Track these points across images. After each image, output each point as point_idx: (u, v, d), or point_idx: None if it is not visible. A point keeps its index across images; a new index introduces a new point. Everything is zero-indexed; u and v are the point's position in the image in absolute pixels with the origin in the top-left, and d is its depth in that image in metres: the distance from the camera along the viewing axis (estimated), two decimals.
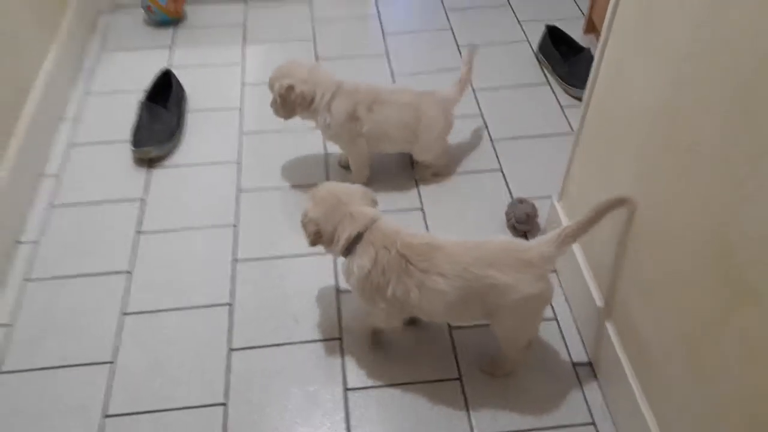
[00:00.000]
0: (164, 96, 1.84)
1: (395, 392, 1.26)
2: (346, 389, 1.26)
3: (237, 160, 1.73)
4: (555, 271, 1.43)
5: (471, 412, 1.23)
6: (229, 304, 1.40)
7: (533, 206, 1.53)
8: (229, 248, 1.51)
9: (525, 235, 1.54)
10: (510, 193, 1.64)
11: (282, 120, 1.56)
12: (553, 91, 1.94)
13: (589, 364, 1.30)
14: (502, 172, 1.70)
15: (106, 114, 1.88)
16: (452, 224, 1.56)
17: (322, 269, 1.46)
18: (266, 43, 2.13)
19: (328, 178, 1.68)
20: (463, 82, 1.60)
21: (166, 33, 2.19)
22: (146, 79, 1.88)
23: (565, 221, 1.41)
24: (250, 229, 1.56)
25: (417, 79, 1.97)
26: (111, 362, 1.31)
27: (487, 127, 1.82)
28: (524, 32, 2.16)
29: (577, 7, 2.26)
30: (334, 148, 1.70)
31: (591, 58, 1.33)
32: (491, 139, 1.78)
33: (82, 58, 2.07)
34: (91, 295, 1.42)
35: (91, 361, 1.31)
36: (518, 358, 1.26)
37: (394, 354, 1.32)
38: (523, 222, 1.52)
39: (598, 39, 1.22)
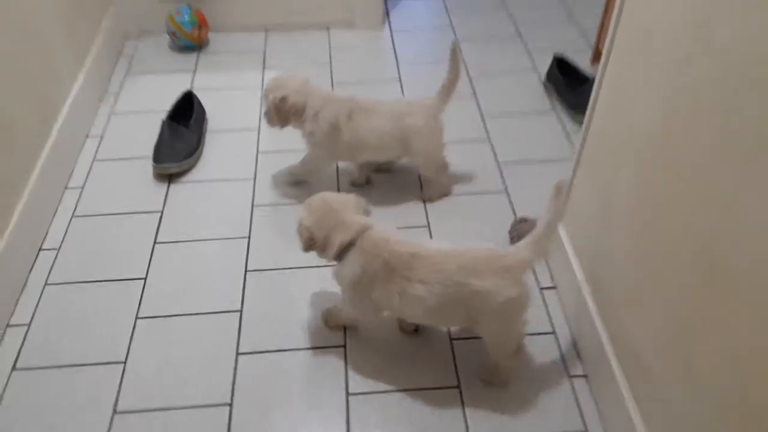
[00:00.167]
0: (186, 116, 1.93)
1: (395, 398, 1.29)
2: (348, 394, 1.30)
3: (253, 177, 1.80)
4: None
5: (468, 419, 1.26)
6: (239, 311, 1.46)
7: (535, 224, 1.57)
8: (241, 259, 1.58)
9: None
10: (514, 213, 1.69)
11: (277, 129, 1.66)
12: (560, 119, 2.00)
13: (584, 376, 1.33)
14: (507, 193, 1.75)
15: (130, 132, 1.97)
16: (459, 239, 1.60)
17: (327, 280, 1.51)
18: (285, 69, 2.22)
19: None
20: (447, 88, 1.63)
21: (190, 58, 2.30)
22: (169, 100, 1.98)
23: (566, 240, 1.45)
24: (262, 242, 1.62)
25: None
26: (123, 362, 1.36)
27: (494, 150, 1.88)
28: (533, 62, 2.24)
29: (584, 39, 2.34)
30: (345, 167, 1.77)
31: None
32: (498, 162, 1.84)
33: (108, 80, 2.18)
34: (106, 300, 1.48)
35: (104, 361, 1.36)
36: (510, 364, 1.30)
37: (395, 361, 1.36)
38: (522, 235, 1.56)
39: None
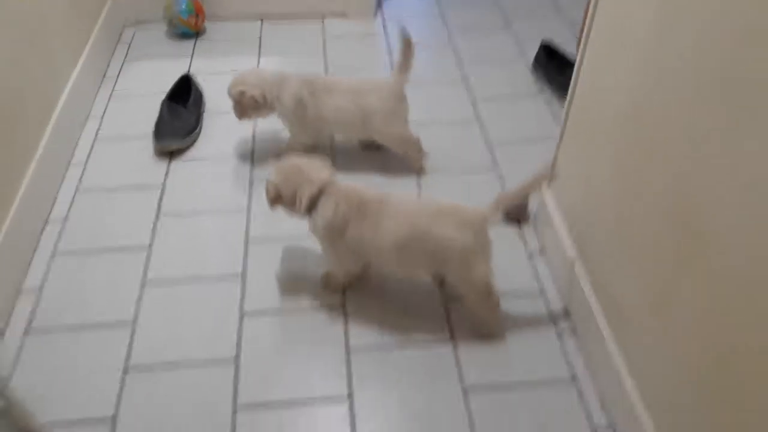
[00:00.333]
0: (184, 97, 1.99)
1: (392, 351, 1.36)
2: (348, 348, 1.37)
3: (250, 155, 1.87)
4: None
5: (462, 368, 1.33)
6: (241, 276, 1.52)
7: (526, 201, 1.65)
8: (241, 228, 1.64)
9: (518, 222, 1.66)
10: (503, 185, 1.76)
11: (246, 121, 1.80)
12: (547, 101, 2.08)
13: (572, 330, 1.41)
14: (498, 171, 1.83)
15: (129, 113, 2.02)
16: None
17: None
18: (280, 56, 2.29)
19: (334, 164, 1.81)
20: (401, 67, 1.70)
21: (187, 44, 2.36)
22: (167, 83, 2.03)
23: (553, 209, 1.53)
24: (261, 213, 1.68)
25: (416, 89, 2.11)
26: (132, 324, 1.42)
27: (484, 131, 1.96)
28: (522, 49, 2.32)
29: (571, 29, 2.43)
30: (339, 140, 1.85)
31: None
32: (488, 143, 1.92)
33: (107, 65, 2.23)
34: (113, 267, 1.54)
35: (113, 323, 1.42)
36: (486, 314, 1.39)
37: (391, 318, 1.43)
38: (515, 210, 1.64)
39: None
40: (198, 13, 2.36)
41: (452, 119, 2.00)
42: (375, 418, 1.26)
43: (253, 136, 1.94)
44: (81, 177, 1.79)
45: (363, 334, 1.40)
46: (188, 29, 2.36)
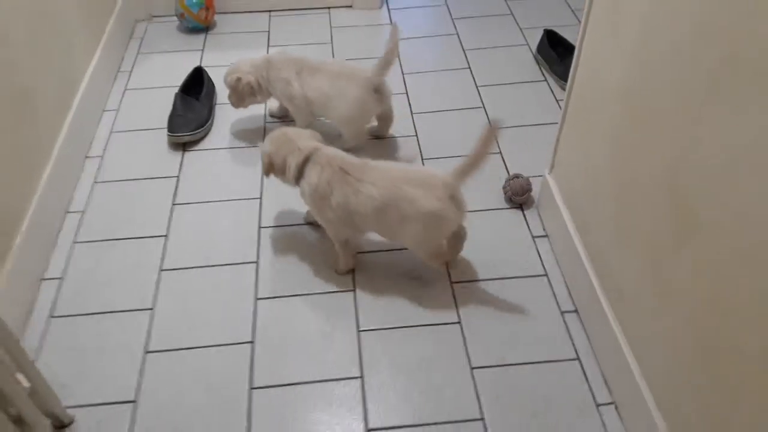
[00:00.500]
0: (197, 90, 2.05)
1: (401, 333, 1.42)
2: (359, 330, 1.42)
3: (261, 145, 1.92)
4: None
5: (468, 350, 1.38)
6: (255, 262, 1.57)
7: (528, 180, 1.69)
8: (254, 217, 1.69)
9: (521, 207, 1.70)
10: (507, 171, 1.80)
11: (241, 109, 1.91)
12: (550, 88, 2.11)
13: (575, 311, 1.45)
14: (501, 154, 1.87)
15: (143, 106, 2.08)
16: None
17: None
18: (288, 47, 2.33)
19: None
20: (384, 63, 1.70)
21: (198, 38, 2.41)
22: (179, 76, 2.09)
23: (555, 190, 1.57)
24: (273, 201, 1.73)
25: (423, 77, 2.16)
26: (150, 309, 1.48)
27: (488, 117, 2.00)
28: (525, 37, 2.35)
29: (573, 16, 2.45)
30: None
31: None
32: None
33: (121, 60, 2.29)
34: (131, 255, 1.60)
35: (132, 308, 1.48)
36: (434, 264, 1.49)
37: (400, 302, 1.48)
38: (518, 194, 1.68)
39: None
40: (208, 6, 2.40)
41: (457, 105, 2.04)
42: (385, 396, 1.31)
43: (264, 127, 1.99)
44: (98, 169, 1.85)
45: (373, 316, 1.45)
46: (198, 23, 2.41)
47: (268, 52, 2.31)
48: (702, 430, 1.01)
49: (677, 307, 1.05)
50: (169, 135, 1.91)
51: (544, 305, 1.48)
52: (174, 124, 1.92)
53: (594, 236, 1.38)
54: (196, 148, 1.92)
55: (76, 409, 1.29)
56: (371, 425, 1.27)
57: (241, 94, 1.84)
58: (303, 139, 1.47)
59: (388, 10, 2.56)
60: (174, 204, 1.73)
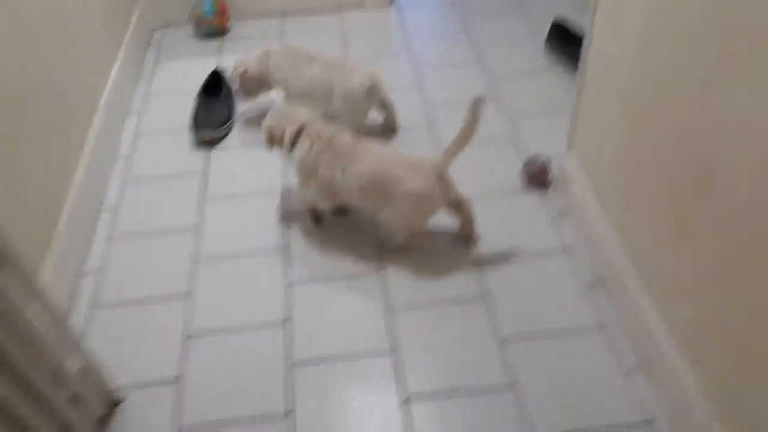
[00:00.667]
0: (216, 91, 2.11)
1: (430, 309, 1.47)
2: (389, 309, 1.48)
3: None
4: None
5: (496, 320, 1.43)
6: (287, 248, 1.63)
7: (547, 159, 1.74)
8: (281, 207, 1.75)
9: (541, 187, 1.75)
10: (525, 154, 1.86)
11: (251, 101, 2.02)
12: (561, 76, 2.17)
13: (600, 282, 1.50)
14: (518, 140, 1.92)
15: (165, 109, 2.14)
16: (478, 178, 1.78)
17: (357, 219, 1.69)
18: None
19: None
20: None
21: (213, 44, 2.47)
22: (198, 81, 2.15)
23: (574, 168, 1.62)
24: (295, 194, 1.78)
25: (435, 71, 2.23)
26: (188, 297, 1.53)
27: (501, 106, 2.05)
28: (534, 29, 2.41)
29: (581, 6, 2.51)
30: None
31: None
32: (508, 116, 2.01)
33: (141, 66, 2.36)
34: (166, 247, 1.65)
35: (170, 296, 1.53)
36: (402, 240, 1.57)
37: (428, 280, 1.53)
38: (538, 174, 1.73)
39: None
40: (222, 12, 2.47)
41: (469, 98, 2.08)
42: (417, 368, 1.36)
43: None
44: (127, 169, 1.90)
45: (402, 294, 1.50)
46: (213, 29, 2.48)
47: None
48: (731, 379, 1.05)
49: (699, 259, 1.10)
50: (193, 134, 1.97)
51: (567, 279, 1.52)
52: (197, 123, 1.99)
53: (615, 206, 1.43)
54: (219, 146, 1.98)
55: (125, 389, 1.34)
56: (406, 394, 1.32)
57: (250, 87, 1.96)
58: (299, 113, 1.59)
59: (398, 9, 2.62)
60: (203, 198, 1.79)
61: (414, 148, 1.91)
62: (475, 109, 1.42)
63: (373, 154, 1.50)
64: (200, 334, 1.45)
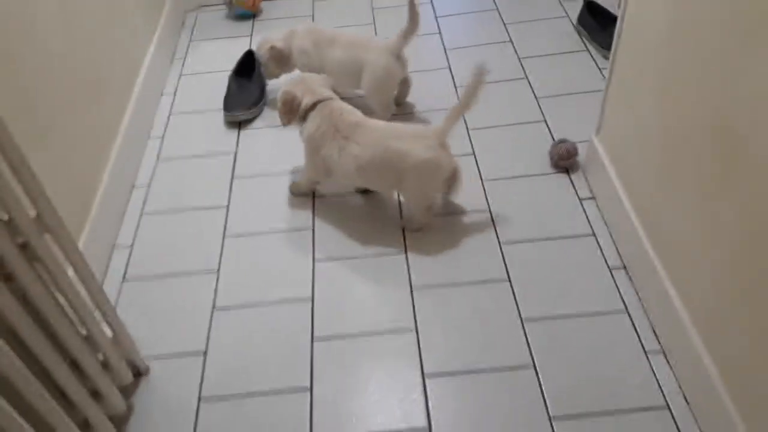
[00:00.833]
0: (248, 72, 2.14)
1: (452, 289, 1.48)
2: (412, 288, 1.50)
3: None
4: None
5: (519, 302, 1.44)
6: (311, 229, 1.66)
7: (573, 144, 1.73)
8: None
9: (567, 171, 1.74)
10: (552, 137, 1.85)
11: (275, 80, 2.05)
12: (592, 57, 2.14)
13: (624, 267, 1.49)
14: (546, 122, 1.91)
15: (198, 89, 2.18)
16: (502, 162, 1.78)
17: (381, 200, 1.71)
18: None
19: None
20: (405, 31, 1.80)
21: (246, 25, 2.50)
22: (230, 62, 2.18)
23: (603, 153, 1.61)
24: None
25: (465, 51, 2.22)
26: (216, 271, 1.57)
27: (531, 87, 2.04)
28: (565, 9, 2.38)
29: None
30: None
31: None
32: (536, 97, 2.00)
33: (175, 47, 2.40)
34: (196, 224, 1.70)
35: (198, 271, 1.57)
36: (423, 219, 1.59)
37: (451, 260, 1.54)
38: (565, 158, 1.72)
39: None
40: None
41: (501, 77, 2.08)
42: (439, 346, 1.38)
43: None
44: (160, 147, 1.95)
45: (424, 276, 1.52)
46: (246, 10, 2.51)
47: None
48: (751, 367, 1.05)
49: (725, 245, 1.09)
50: (225, 114, 2.01)
51: (592, 262, 1.52)
52: (230, 103, 2.02)
53: (641, 190, 1.41)
54: (251, 126, 2.01)
55: (151, 360, 1.39)
56: (427, 371, 1.34)
57: (276, 62, 1.98)
58: (317, 83, 1.60)
59: None
60: (233, 177, 1.83)
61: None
62: (477, 78, 1.44)
63: (372, 133, 1.52)
64: (226, 309, 1.49)
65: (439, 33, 2.34)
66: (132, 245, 1.66)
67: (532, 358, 1.34)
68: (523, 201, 1.67)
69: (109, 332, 1.24)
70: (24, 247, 0.99)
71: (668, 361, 1.31)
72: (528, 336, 1.38)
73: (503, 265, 1.53)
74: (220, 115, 2.04)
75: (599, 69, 2.08)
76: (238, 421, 1.29)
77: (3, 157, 0.96)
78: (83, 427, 1.09)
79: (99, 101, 1.71)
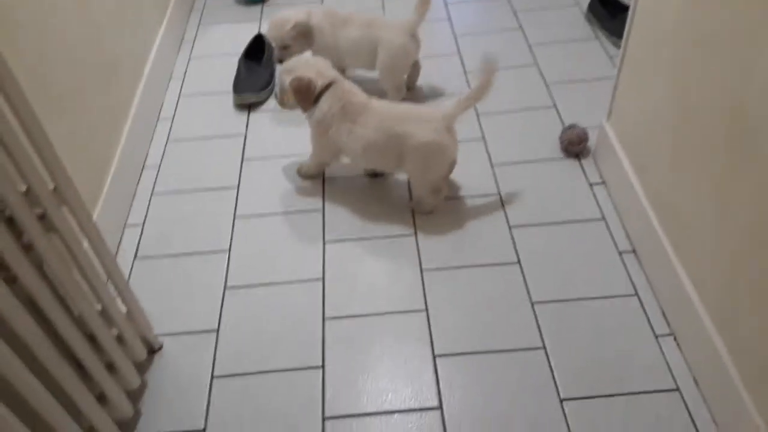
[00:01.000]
0: (258, 55, 2.14)
1: (462, 272, 1.49)
2: (422, 270, 1.51)
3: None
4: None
5: (529, 285, 1.44)
6: (321, 211, 1.66)
7: (584, 130, 1.73)
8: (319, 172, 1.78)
9: (577, 156, 1.75)
10: (562, 123, 1.85)
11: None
12: (602, 45, 2.14)
13: (633, 251, 1.50)
14: (556, 107, 1.91)
15: (207, 72, 2.18)
16: (512, 147, 1.79)
17: (396, 184, 1.71)
18: None
19: None
20: (418, 9, 1.81)
21: (255, 10, 2.50)
22: (239, 46, 2.18)
23: (613, 139, 1.61)
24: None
25: (475, 38, 2.22)
26: (227, 251, 1.58)
27: (541, 73, 2.04)
28: None
29: None
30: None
31: None
32: (546, 83, 2.00)
33: (184, 30, 2.40)
34: (206, 204, 1.70)
35: (210, 251, 1.58)
36: (430, 200, 1.60)
37: (460, 243, 1.55)
38: (575, 144, 1.72)
39: None
40: None
41: (511, 64, 2.08)
42: (450, 327, 1.39)
43: None
44: (170, 129, 1.96)
45: (434, 258, 1.53)
46: None
47: None
48: (762, 349, 1.05)
49: (739, 229, 1.09)
50: (235, 96, 2.01)
51: (601, 246, 1.52)
52: (239, 86, 2.02)
53: (653, 175, 1.42)
54: (260, 109, 2.01)
55: (163, 337, 1.40)
56: (437, 351, 1.34)
57: (301, 39, 1.89)
58: (326, 67, 1.60)
59: None
60: (243, 159, 1.83)
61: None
62: (488, 72, 1.45)
63: (379, 115, 1.53)
64: (238, 288, 1.49)
65: (449, 19, 2.34)
66: (143, 224, 1.66)
67: (542, 340, 1.35)
68: (532, 185, 1.67)
69: (123, 308, 1.24)
70: (42, 218, 0.99)
71: (678, 344, 1.32)
72: (538, 318, 1.39)
73: (513, 248, 1.53)
74: (229, 98, 2.04)
75: (609, 57, 2.08)
76: (251, 398, 1.29)
77: (24, 131, 0.96)
78: (98, 401, 1.09)
79: (110, 83, 1.71)
